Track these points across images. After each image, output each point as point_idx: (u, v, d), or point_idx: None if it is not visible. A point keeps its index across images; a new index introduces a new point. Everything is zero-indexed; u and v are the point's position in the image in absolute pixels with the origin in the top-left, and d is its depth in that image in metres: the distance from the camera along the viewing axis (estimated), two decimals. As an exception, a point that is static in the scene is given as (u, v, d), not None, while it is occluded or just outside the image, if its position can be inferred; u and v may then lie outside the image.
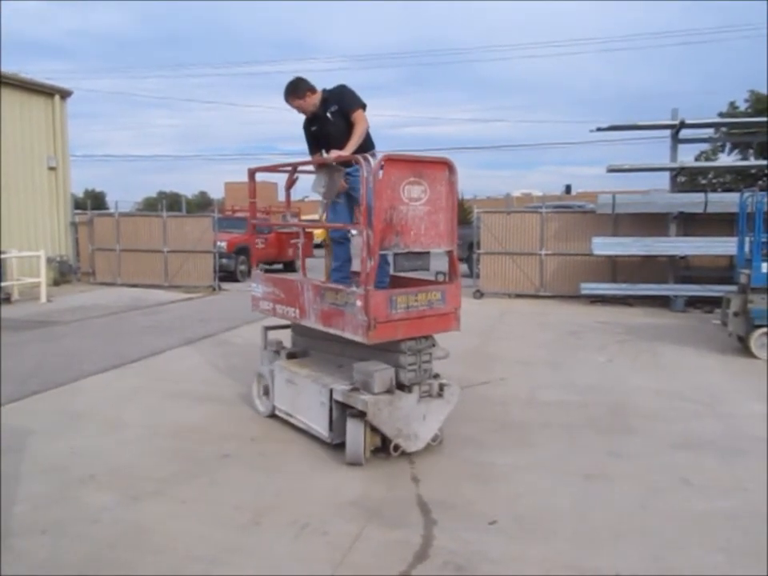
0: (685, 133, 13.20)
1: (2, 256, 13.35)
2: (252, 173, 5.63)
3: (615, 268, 13.33)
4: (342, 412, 4.57)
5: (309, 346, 5.53)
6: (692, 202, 12.27)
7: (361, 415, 4.38)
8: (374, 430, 4.47)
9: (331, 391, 4.60)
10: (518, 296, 13.82)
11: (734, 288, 8.60)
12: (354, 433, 4.44)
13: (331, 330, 4.69)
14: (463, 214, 49.40)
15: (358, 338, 4.35)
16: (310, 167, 5.56)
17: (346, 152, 4.94)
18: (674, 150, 13.03)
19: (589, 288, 12.80)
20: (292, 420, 5.18)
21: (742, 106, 25.23)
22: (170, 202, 17.13)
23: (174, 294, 14.45)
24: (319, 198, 5.43)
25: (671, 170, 13.16)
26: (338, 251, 5.65)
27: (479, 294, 13.91)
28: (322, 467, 4.47)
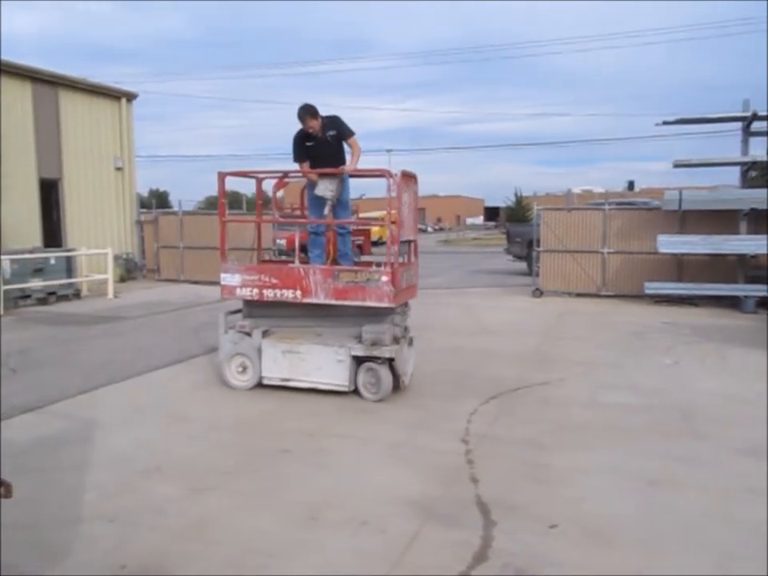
0: (757, 125, 12.68)
1: (72, 254, 13.86)
2: (222, 176, 6.51)
3: (681, 267, 12.93)
4: (355, 365, 5.99)
5: (271, 325, 6.48)
6: (764, 198, 11.77)
7: (388, 362, 5.89)
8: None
9: (349, 349, 5.90)
10: (579, 295, 13.56)
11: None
12: (385, 375, 5.93)
13: (347, 302, 5.96)
14: (522, 212, 48.82)
15: (384, 304, 5.83)
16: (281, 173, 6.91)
17: (352, 166, 6.47)
18: (744, 143, 12.54)
19: (653, 287, 12.46)
20: (291, 384, 6.18)
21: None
22: (231, 201, 17.40)
23: (235, 291, 14.67)
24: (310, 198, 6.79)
25: (742, 164, 12.68)
26: (318, 242, 6.80)
27: (538, 293, 13.71)
28: (379, 464, 4.48)
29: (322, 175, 6.42)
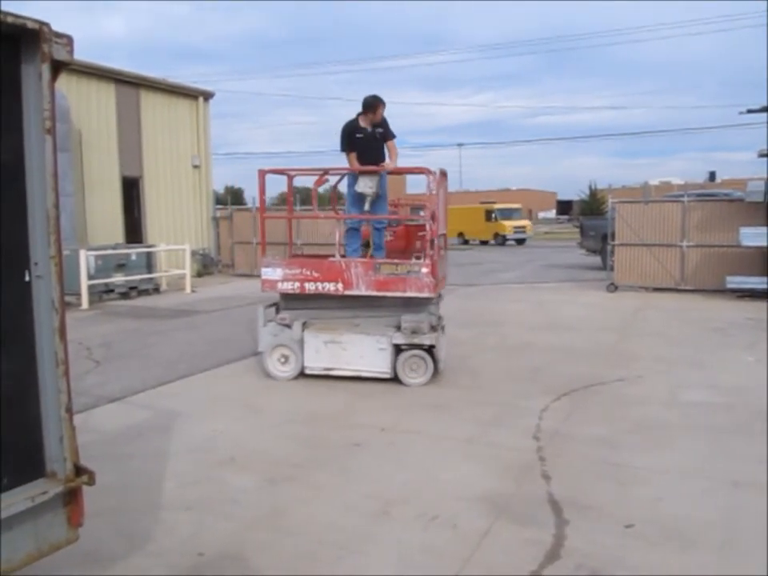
0: None
1: (152, 249, 14.37)
2: (262, 174, 6.70)
3: (766, 260, 12.33)
4: (395, 354, 6.29)
5: (309, 317, 6.69)
6: None
7: (430, 349, 6.24)
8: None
9: (390, 338, 6.22)
10: (656, 290, 13.15)
11: None
12: (428, 360, 6.29)
13: (388, 293, 6.29)
14: (596, 205, 47.57)
15: (424, 295, 6.21)
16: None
17: (393, 165, 6.86)
18: (836, 131, 11.86)
19: (736, 282, 11.95)
20: (333, 372, 6.46)
21: None
22: (303, 197, 17.66)
23: (307, 286, 14.90)
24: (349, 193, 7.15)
25: (833, 153, 11.99)
26: (356, 236, 7.13)
27: (613, 288, 13.37)
28: (450, 459, 4.47)
29: (362, 172, 6.72)
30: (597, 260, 18.29)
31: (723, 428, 5.06)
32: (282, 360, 6.62)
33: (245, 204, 24.38)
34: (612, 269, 13.69)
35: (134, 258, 13.55)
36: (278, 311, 6.85)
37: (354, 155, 6.88)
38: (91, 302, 11.99)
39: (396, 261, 6.47)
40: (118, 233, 15.85)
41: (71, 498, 2.42)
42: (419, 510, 3.70)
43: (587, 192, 52.65)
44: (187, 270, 14.48)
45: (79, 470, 2.41)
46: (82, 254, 11.85)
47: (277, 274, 6.53)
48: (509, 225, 35.45)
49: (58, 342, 2.29)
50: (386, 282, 6.25)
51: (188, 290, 14.17)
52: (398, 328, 6.37)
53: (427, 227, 6.20)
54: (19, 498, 2.19)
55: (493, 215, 36.28)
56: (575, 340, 8.47)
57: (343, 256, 6.73)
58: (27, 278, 2.24)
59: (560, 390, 6.06)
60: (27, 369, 2.26)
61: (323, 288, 6.39)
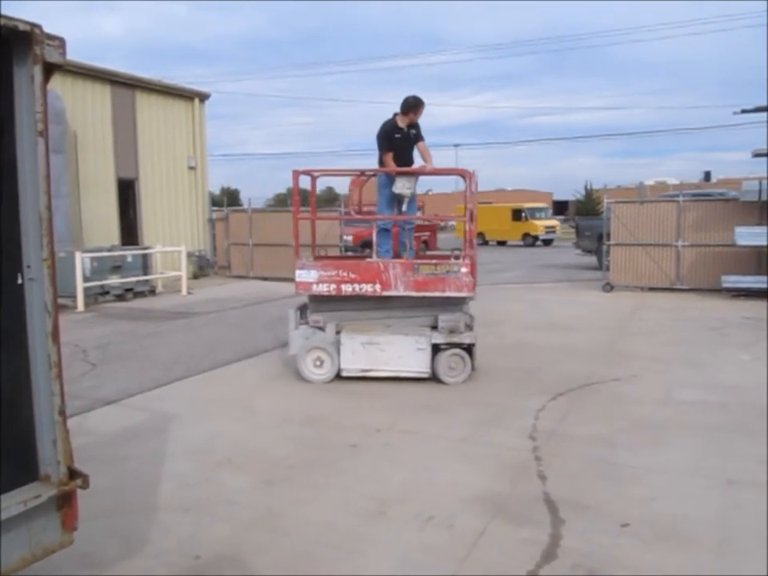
0: None
1: (148, 251, 14.34)
2: (296, 174, 6.62)
3: (761, 260, 12.35)
4: (433, 353, 6.27)
5: (341, 319, 6.59)
6: None
7: (468, 348, 6.30)
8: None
9: (430, 338, 6.23)
10: (652, 289, 13.17)
11: None
12: (467, 359, 6.33)
13: (428, 293, 6.29)
14: (591, 205, 47.55)
15: (463, 294, 6.27)
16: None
17: (431, 166, 6.90)
18: (831, 130, 11.90)
19: (731, 281, 11.98)
20: (371, 374, 6.38)
21: None
22: (299, 198, 17.66)
23: (303, 287, 14.88)
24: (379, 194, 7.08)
25: (828, 152, 12.03)
26: (388, 237, 6.99)
27: (609, 288, 13.38)
28: (447, 459, 4.47)
29: (400, 173, 6.69)
30: (592, 260, 18.33)
31: (719, 427, 5.07)
32: (318, 363, 6.50)
33: (241, 205, 24.36)
34: (608, 269, 13.71)
35: (129, 259, 13.50)
36: (302, 314, 6.77)
37: (390, 155, 6.85)
38: (87, 304, 11.95)
39: (435, 261, 6.53)
40: (113, 234, 15.80)
41: (65, 501, 2.41)
42: (416, 510, 3.70)
43: (583, 192, 52.74)
44: (183, 272, 14.45)
45: (73, 474, 2.40)
46: (78, 255, 11.82)
47: (311, 276, 6.42)
48: (540, 224, 33.71)
49: (51, 345, 2.28)
50: (425, 283, 6.25)
51: (184, 291, 14.13)
52: (434, 327, 6.38)
53: (466, 227, 6.44)
54: (12, 502, 2.18)
55: (523, 215, 34.39)
56: (572, 340, 8.48)
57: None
58: (20, 281, 2.23)
59: (557, 390, 6.06)
60: (20, 372, 2.25)
61: (360, 289, 6.33)
